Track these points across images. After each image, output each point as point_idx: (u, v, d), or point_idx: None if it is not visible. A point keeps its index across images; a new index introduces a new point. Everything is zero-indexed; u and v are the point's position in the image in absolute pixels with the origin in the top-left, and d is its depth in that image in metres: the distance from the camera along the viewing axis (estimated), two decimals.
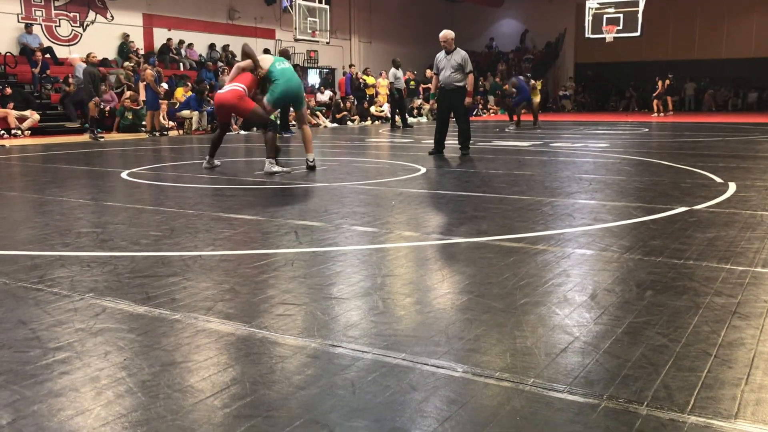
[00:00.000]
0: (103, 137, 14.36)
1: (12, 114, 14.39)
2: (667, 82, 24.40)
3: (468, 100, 9.86)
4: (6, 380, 2.16)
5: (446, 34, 9.91)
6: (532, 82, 19.06)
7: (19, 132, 14.32)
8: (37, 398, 2.03)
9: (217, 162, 8.42)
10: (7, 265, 3.65)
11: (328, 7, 21.53)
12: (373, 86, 22.76)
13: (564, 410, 1.94)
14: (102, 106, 15.37)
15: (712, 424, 1.85)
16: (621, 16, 24.16)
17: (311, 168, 7.98)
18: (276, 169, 7.66)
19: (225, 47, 21.91)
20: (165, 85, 16.25)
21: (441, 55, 9.96)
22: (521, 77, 18.45)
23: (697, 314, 2.76)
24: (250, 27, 23.15)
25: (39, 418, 1.91)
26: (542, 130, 16.82)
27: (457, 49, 9.92)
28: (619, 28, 24.37)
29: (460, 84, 9.82)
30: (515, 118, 18.27)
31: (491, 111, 28.16)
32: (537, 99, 19.14)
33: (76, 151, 11.46)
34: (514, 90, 18.18)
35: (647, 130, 16.75)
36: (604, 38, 24.67)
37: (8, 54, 15.97)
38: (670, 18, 29.67)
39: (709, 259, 3.64)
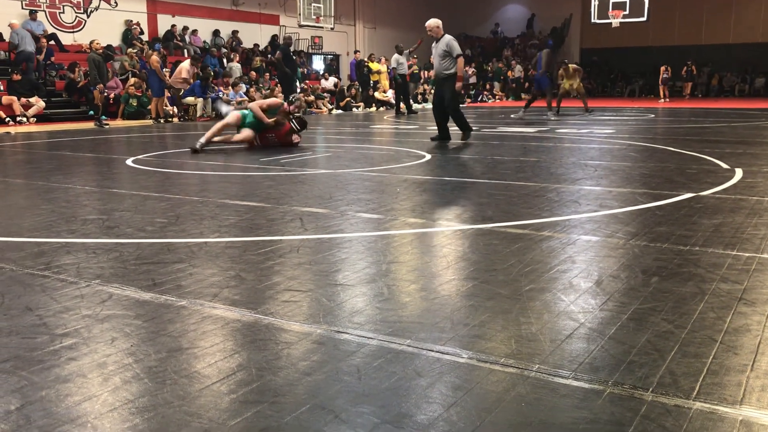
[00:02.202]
0: (108, 124, 14.37)
1: (17, 101, 14.39)
2: (693, 68, 24.47)
3: (458, 84, 9.50)
4: (14, 366, 2.17)
5: (430, 23, 9.64)
6: (572, 65, 17.87)
7: (25, 119, 14.33)
8: (45, 384, 2.05)
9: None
10: (13, 251, 3.67)
11: None
12: (378, 72, 22.69)
13: (569, 396, 1.95)
14: (106, 93, 15.39)
15: (718, 410, 1.85)
16: (627, 1, 24.00)
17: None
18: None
19: (234, 32, 21.89)
20: (186, 68, 16.16)
21: (434, 44, 9.79)
22: (543, 51, 16.74)
23: (702, 301, 2.75)
24: (254, 13, 23.06)
25: (47, 403, 1.93)
26: (547, 116, 16.73)
27: (444, 35, 9.61)
28: (625, 13, 24.23)
29: (449, 71, 9.50)
30: (554, 103, 17.00)
31: (497, 97, 28.04)
32: (574, 83, 17.76)
33: (81, 138, 11.47)
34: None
35: (653, 115, 16.67)
36: (611, 23, 24.53)
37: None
38: (677, 3, 29.42)
39: (715, 246, 3.63)
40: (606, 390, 1.98)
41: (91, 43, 14.77)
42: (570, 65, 17.67)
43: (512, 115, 16.18)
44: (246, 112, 9.36)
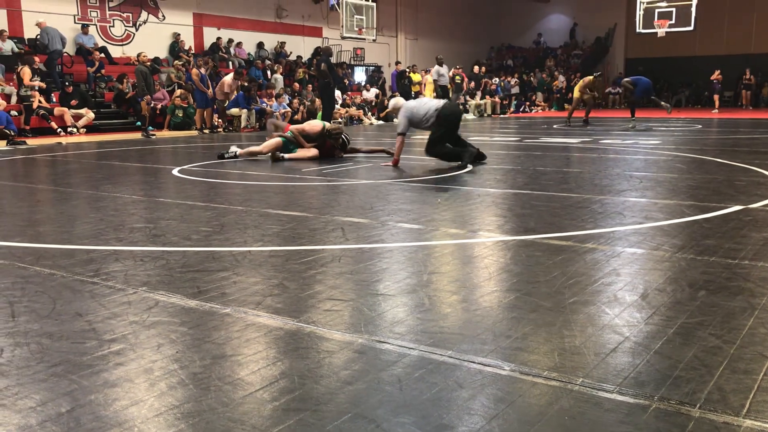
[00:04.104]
0: (154, 135, 14.68)
1: (68, 112, 14.82)
2: (751, 78, 24.10)
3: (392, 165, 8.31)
4: (64, 370, 2.23)
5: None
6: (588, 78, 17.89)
7: (75, 130, 14.74)
8: (94, 388, 2.10)
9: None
10: (64, 258, 3.77)
11: (374, 4, 21.58)
12: (419, 83, 22.75)
13: (614, 411, 1.92)
14: (153, 105, 15.74)
15: None
16: (673, 10, 23.60)
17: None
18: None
19: (282, 44, 22.27)
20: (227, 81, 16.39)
21: None
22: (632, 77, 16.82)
23: (752, 316, 2.68)
24: (297, 25, 23.37)
25: (96, 407, 1.98)
26: (591, 126, 16.56)
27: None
28: (671, 22, 23.81)
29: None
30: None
31: (539, 107, 27.83)
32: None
33: (129, 148, 11.74)
34: (630, 87, 16.54)
35: (700, 126, 16.33)
36: (656, 33, 24.15)
37: (65, 54, 16.44)
38: (725, 11, 28.83)
39: (765, 260, 3.54)
40: (652, 405, 1.94)
41: (139, 55, 15.15)
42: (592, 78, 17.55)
43: (630, 125, 15.93)
44: (288, 134, 9.60)
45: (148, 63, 15.32)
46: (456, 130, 8.19)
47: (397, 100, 8.86)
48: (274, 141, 9.47)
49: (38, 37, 15.68)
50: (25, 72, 14.16)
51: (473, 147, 8.39)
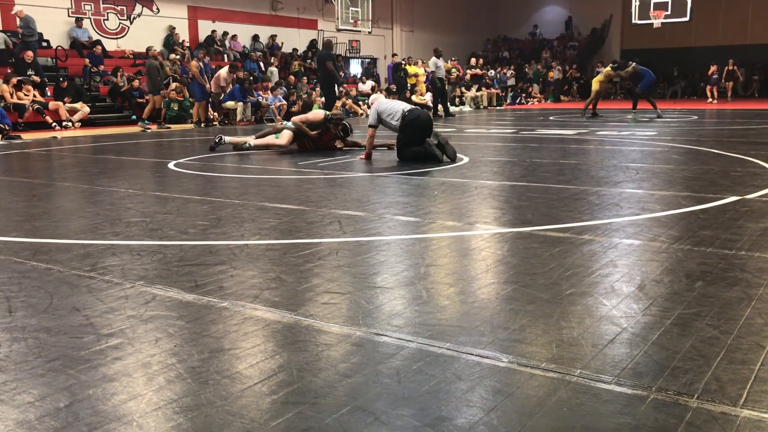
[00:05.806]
0: (150, 128, 14.64)
1: (63, 106, 14.76)
2: (735, 68, 24.08)
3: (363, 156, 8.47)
4: (62, 365, 2.23)
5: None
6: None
7: (70, 124, 14.68)
8: (92, 383, 2.10)
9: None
10: (61, 253, 3.76)
11: None
12: (415, 75, 22.68)
13: (612, 402, 1.92)
14: (147, 99, 15.69)
15: (766, 419, 1.81)
16: (669, 1, 23.58)
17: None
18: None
19: (273, 36, 22.21)
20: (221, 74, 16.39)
21: None
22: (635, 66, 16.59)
23: (749, 306, 2.69)
24: (293, 18, 23.29)
25: (94, 401, 1.97)
26: (587, 118, 16.55)
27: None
28: (667, 13, 23.79)
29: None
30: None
31: (535, 99, 27.81)
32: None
33: (124, 142, 11.71)
34: (635, 74, 16.15)
35: (696, 117, 16.34)
36: (652, 24, 24.13)
37: (59, 48, 16.37)
38: (720, 1, 28.80)
39: (761, 250, 3.55)
40: (650, 396, 1.95)
41: (149, 50, 15.10)
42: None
43: (627, 116, 15.86)
44: (291, 125, 9.69)
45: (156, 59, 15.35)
46: (422, 135, 8.15)
47: (375, 96, 9.37)
48: (287, 134, 9.52)
49: (20, 28, 15.45)
50: (4, 89, 13.92)
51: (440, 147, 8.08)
